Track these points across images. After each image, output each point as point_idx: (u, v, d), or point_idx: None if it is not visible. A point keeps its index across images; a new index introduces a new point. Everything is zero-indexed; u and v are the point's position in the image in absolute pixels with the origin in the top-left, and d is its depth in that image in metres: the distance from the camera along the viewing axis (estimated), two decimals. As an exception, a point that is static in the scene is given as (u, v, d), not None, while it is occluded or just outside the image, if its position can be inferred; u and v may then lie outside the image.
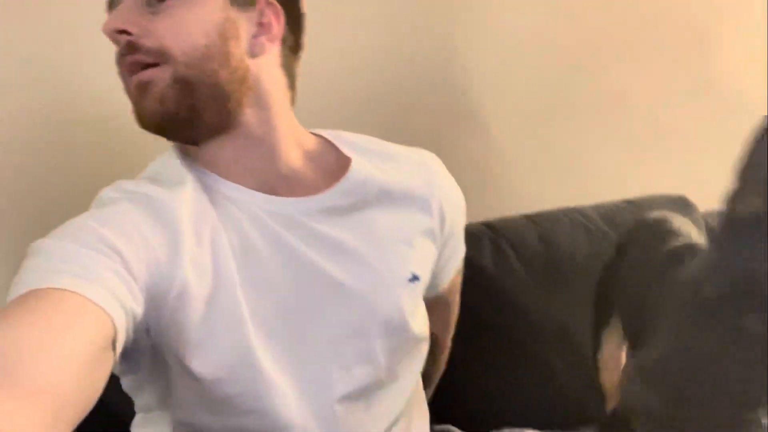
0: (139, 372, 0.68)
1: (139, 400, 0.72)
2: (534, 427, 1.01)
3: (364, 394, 0.72)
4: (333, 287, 0.70)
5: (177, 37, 0.65)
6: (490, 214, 1.27)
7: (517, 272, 1.15)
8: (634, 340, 0.82)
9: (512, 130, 1.40)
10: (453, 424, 1.01)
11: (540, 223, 1.22)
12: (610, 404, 0.97)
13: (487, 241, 1.17)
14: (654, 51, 1.46)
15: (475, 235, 1.17)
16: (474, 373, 1.11)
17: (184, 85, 0.65)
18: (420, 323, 0.77)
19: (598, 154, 1.44)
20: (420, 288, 0.76)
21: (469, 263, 1.13)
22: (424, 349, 0.81)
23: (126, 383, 0.70)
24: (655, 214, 0.64)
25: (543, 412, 1.11)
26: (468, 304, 1.12)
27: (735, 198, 0.62)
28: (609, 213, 1.26)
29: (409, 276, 0.74)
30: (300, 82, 1.23)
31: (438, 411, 1.05)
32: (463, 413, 1.07)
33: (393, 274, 0.73)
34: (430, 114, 1.34)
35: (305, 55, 1.26)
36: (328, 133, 0.79)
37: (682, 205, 1.29)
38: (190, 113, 0.66)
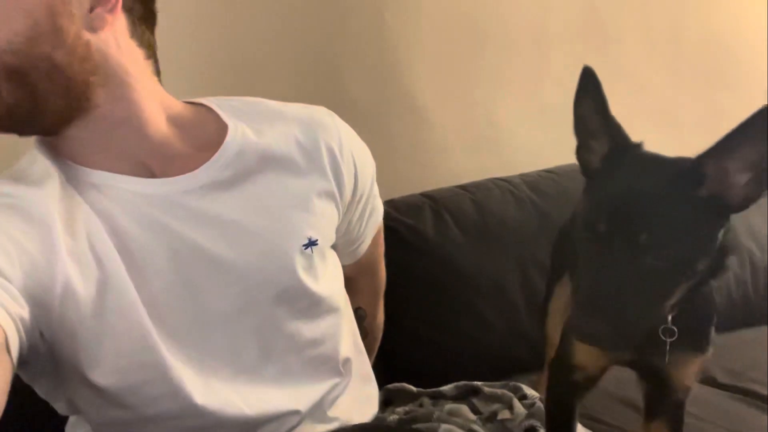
0: (43, 379, 0.67)
1: (56, 405, 0.70)
2: (474, 378, 1.10)
3: (279, 363, 0.72)
4: (217, 265, 0.67)
5: None
6: (426, 186, 1.35)
7: (456, 237, 1.23)
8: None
9: (443, 109, 1.49)
10: (406, 382, 1.05)
11: (473, 192, 1.31)
12: (552, 350, 1.07)
13: (428, 210, 1.25)
14: (565, 33, 1.58)
15: (416, 205, 1.26)
16: (422, 331, 1.19)
17: (16, 74, 0.59)
18: (327, 285, 0.74)
19: (516, 128, 1.55)
20: (320, 250, 0.73)
21: (413, 230, 1.23)
22: (344, 311, 0.80)
23: (39, 391, 0.69)
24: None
25: (481, 362, 1.20)
26: (413, 268, 1.21)
27: (581, 153, 0.65)
28: (533, 181, 1.36)
29: (305, 241, 0.71)
30: (228, 55, 1.25)
31: (391, 370, 1.13)
32: (414, 370, 1.14)
33: (284, 242, 0.70)
34: (366, 93, 1.39)
35: (238, 30, 1.28)
36: (208, 100, 0.74)
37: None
38: (32, 103, 0.61)
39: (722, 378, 1.19)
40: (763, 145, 0.57)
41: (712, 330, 0.73)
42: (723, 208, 0.60)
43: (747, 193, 0.59)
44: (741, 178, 0.59)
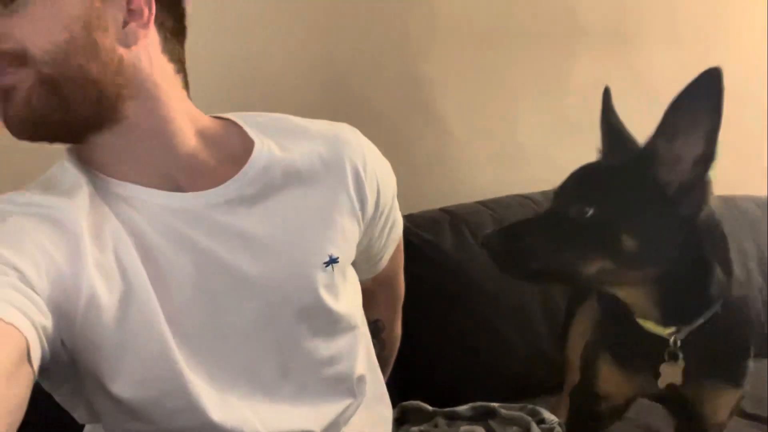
0: (63, 387, 0.67)
1: (75, 414, 0.70)
2: (491, 399, 1.08)
3: (296, 382, 0.71)
4: (240, 280, 0.67)
5: (37, 36, 0.59)
6: (446, 201, 1.34)
7: (475, 253, 1.20)
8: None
9: (464, 123, 1.47)
10: (422, 400, 1.05)
11: (494, 208, 1.29)
12: (572, 375, 1.04)
13: (447, 226, 1.23)
14: (589, 46, 1.56)
15: (436, 220, 1.24)
16: (439, 348, 1.17)
17: (50, 84, 0.61)
18: (346, 303, 0.75)
19: (538, 143, 1.54)
20: (341, 268, 0.73)
21: (432, 246, 1.21)
22: (362, 329, 0.79)
23: (58, 399, 0.69)
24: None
25: (499, 383, 1.18)
26: (432, 284, 1.19)
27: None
28: (555, 198, 1.34)
29: (326, 259, 0.71)
30: (251, 68, 1.25)
31: (407, 386, 1.10)
32: (431, 388, 1.12)
33: (306, 259, 0.70)
34: (387, 106, 1.39)
35: (260, 43, 1.28)
36: (235, 115, 0.75)
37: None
38: (63, 113, 0.62)
39: (750, 408, 1.14)
40: (708, 109, 0.62)
41: (749, 363, 0.69)
42: (673, 199, 0.62)
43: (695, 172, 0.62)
44: (691, 153, 0.62)
